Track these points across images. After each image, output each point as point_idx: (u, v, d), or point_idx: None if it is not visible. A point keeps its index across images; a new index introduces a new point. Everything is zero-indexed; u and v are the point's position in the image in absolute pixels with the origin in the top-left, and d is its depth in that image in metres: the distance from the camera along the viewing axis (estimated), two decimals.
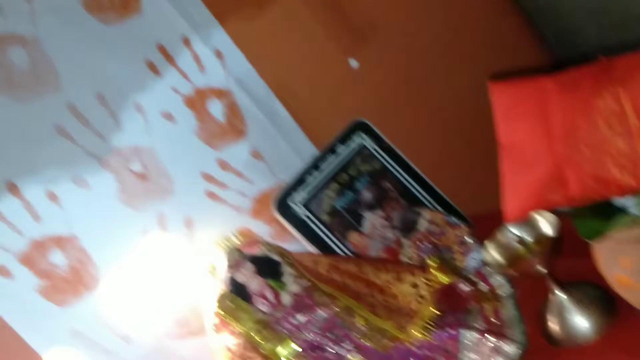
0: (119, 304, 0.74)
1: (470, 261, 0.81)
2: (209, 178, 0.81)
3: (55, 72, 0.72)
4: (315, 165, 0.86)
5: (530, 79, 0.62)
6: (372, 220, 0.87)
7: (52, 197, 0.72)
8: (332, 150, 0.87)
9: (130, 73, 0.76)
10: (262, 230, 0.84)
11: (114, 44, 0.75)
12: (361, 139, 0.89)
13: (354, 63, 0.92)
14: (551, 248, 0.61)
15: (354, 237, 0.86)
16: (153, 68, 0.77)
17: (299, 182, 0.85)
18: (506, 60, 0.98)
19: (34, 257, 0.70)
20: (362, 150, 0.89)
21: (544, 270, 0.61)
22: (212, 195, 0.81)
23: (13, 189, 0.70)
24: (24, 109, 0.70)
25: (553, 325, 0.64)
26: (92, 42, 0.74)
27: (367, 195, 0.88)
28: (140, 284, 0.75)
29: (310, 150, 0.88)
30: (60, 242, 0.72)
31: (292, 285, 0.75)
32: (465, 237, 0.83)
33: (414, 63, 0.96)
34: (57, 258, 0.72)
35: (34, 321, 0.70)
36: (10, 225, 0.69)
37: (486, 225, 0.93)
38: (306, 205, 0.84)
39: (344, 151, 0.88)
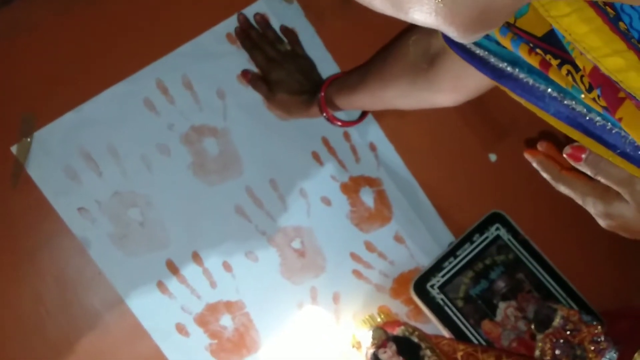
0: None
1: None
2: (356, 258, 0.89)
3: (239, 159, 0.84)
4: (452, 252, 0.92)
5: None
6: (505, 310, 0.91)
7: (227, 267, 0.82)
8: (468, 239, 0.93)
9: (299, 162, 0.86)
10: (400, 309, 0.91)
11: (287, 137, 0.86)
12: (497, 230, 0.94)
13: (492, 157, 0.98)
14: None
15: (486, 325, 0.90)
16: (317, 158, 0.87)
17: (437, 267, 0.91)
18: None
19: (207, 318, 0.81)
20: (497, 240, 0.94)
21: None
22: (357, 274, 0.89)
23: (197, 258, 0.81)
24: (212, 190, 0.83)
25: None
26: (270, 134, 0.85)
27: (500, 285, 0.92)
28: (293, 351, 0.83)
29: (447, 238, 0.94)
30: (229, 307, 0.82)
31: None
32: (600, 337, 0.85)
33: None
34: (226, 321, 0.82)
35: None
36: (192, 290, 0.81)
37: (615, 321, 0.94)
38: (442, 290, 0.90)
39: (480, 240, 0.93)
